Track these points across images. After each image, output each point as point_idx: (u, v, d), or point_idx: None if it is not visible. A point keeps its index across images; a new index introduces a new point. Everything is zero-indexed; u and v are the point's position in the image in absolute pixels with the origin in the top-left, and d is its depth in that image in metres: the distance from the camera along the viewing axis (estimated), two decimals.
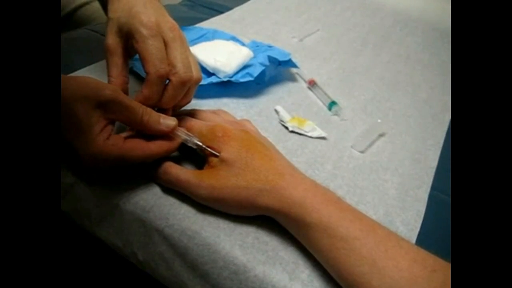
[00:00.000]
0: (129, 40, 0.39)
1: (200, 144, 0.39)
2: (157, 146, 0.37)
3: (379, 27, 0.91)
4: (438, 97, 0.66)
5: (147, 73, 0.37)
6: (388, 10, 1.02)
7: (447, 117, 0.61)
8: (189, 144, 0.39)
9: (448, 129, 0.58)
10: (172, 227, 0.36)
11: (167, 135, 0.38)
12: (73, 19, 0.85)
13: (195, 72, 0.40)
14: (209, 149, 0.38)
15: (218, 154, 0.38)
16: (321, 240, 0.33)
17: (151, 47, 0.37)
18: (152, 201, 0.38)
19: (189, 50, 0.41)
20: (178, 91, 0.39)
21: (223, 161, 0.37)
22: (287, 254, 0.36)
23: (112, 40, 0.40)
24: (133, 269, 0.39)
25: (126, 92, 0.40)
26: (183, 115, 0.43)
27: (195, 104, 0.53)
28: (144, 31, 0.38)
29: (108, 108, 0.34)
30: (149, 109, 0.37)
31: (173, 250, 0.36)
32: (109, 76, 0.39)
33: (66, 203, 0.40)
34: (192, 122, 0.41)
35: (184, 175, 0.37)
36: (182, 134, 0.39)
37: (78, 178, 0.39)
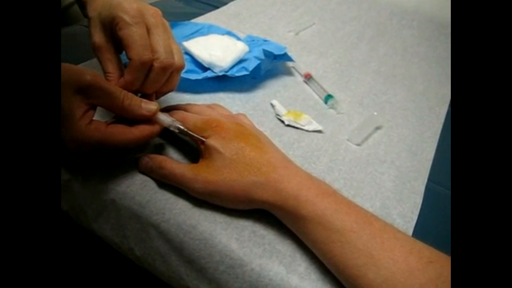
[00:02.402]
0: (113, 31, 0.39)
1: (183, 128, 0.39)
2: (139, 131, 0.37)
3: (375, 21, 0.91)
4: (434, 90, 0.66)
5: (130, 59, 0.37)
6: (384, 3, 1.01)
7: (443, 109, 0.61)
8: (172, 129, 0.39)
9: (445, 121, 0.58)
10: (168, 222, 0.36)
11: (149, 120, 0.38)
12: (67, 16, 0.85)
13: (177, 59, 0.40)
14: (191, 132, 0.38)
15: (203, 139, 0.38)
16: (316, 233, 0.33)
17: (134, 34, 0.37)
18: (148, 196, 0.38)
19: (172, 37, 0.41)
20: (159, 77, 0.39)
21: (216, 152, 0.37)
22: (284, 248, 0.36)
23: (99, 38, 0.39)
24: (131, 265, 0.39)
25: None
26: (178, 109, 0.43)
27: (190, 98, 0.53)
28: (127, 18, 0.37)
29: (89, 93, 0.34)
30: (130, 94, 0.37)
31: (170, 245, 0.36)
32: (106, 73, 0.39)
33: (62, 200, 0.40)
34: (187, 116, 0.41)
35: (179, 170, 0.37)
36: (164, 118, 0.39)
37: (73, 174, 0.39)
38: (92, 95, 0.34)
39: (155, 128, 0.38)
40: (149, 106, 0.37)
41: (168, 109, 0.45)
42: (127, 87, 0.37)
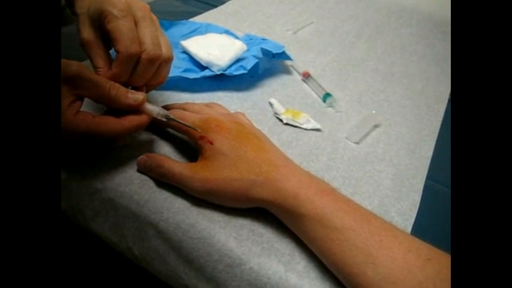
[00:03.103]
0: (101, 25, 0.38)
1: (171, 116, 0.39)
2: (127, 121, 0.37)
3: (373, 19, 0.91)
4: (433, 88, 0.66)
5: (117, 51, 0.37)
6: (382, 1, 1.01)
7: (442, 107, 0.61)
8: (160, 118, 0.39)
9: (443, 119, 0.58)
10: (166, 221, 0.36)
11: (137, 111, 0.38)
12: (65, 15, 0.85)
13: (165, 51, 0.40)
14: (179, 120, 0.39)
15: (190, 126, 0.38)
16: (315, 231, 0.33)
17: (122, 27, 0.37)
18: (146, 195, 0.38)
19: (160, 30, 0.41)
20: (147, 69, 0.39)
21: (216, 152, 0.37)
22: (283, 246, 0.36)
23: (88, 33, 0.39)
24: (129, 264, 0.39)
25: None
26: (176, 108, 0.43)
27: (188, 98, 0.53)
28: (115, 12, 0.37)
29: (75, 83, 0.34)
30: (117, 84, 0.37)
31: (168, 244, 0.36)
32: (95, 68, 0.39)
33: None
34: (185, 114, 0.41)
35: (177, 168, 0.37)
36: (152, 108, 0.39)
37: (71, 173, 0.39)
38: (78, 85, 0.34)
39: (143, 118, 0.38)
40: (136, 96, 0.37)
41: (166, 108, 0.45)
42: (115, 79, 0.37)
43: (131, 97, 0.37)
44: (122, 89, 0.37)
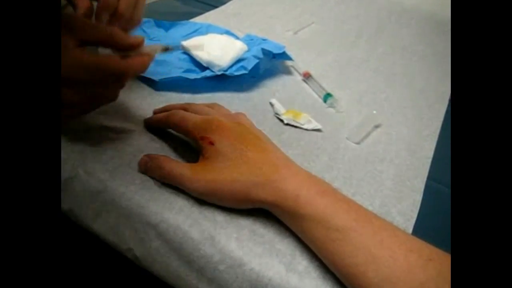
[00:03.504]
0: None
1: (171, 46, 0.41)
2: (132, 60, 0.37)
3: (373, 19, 0.91)
4: (433, 88, 0.66)
5: None
6: (382, 1, 1.01)
7: (442, 107, 0.61)
8: (159, 51, 0.40)
9: (444, 119, 0.58)
10: (167, 221, 0.36)
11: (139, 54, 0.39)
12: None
13: None
14: (181, 47, 0.40)
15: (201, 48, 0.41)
16: (316, 232, 0.33)
17: None
18: (147, 196, 0.38)
19: None
20: None
21: (217, 153, 0.37)
22: (284, 246, 0.35)
23: None
24: (130, 265, 0.39)
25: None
26: (177, 109, 0.43)
27: (189, 98, 0.53)
28: None
29: (75, 28, 0.35)
30: (115, 28, 0.38)
31: (169, 245, 0.36)
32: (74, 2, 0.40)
33: (61, 200, 0.40)
34: (187, 115, 0.41)
35: (178, 169, 0.37)
36: (151, 44, 0.40)
37: (72, 174, 0.39)
38: (78, 30, 0.35)
39: (146, 59, 0.38)
40: (135, 37, 0.38)
41: (167, 109, 0.45)
42: (105, 8, 0.39)
43: (131, 37, 0.38)
44: (121, 31, 0.38)
